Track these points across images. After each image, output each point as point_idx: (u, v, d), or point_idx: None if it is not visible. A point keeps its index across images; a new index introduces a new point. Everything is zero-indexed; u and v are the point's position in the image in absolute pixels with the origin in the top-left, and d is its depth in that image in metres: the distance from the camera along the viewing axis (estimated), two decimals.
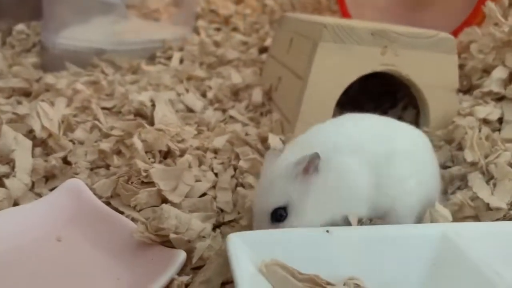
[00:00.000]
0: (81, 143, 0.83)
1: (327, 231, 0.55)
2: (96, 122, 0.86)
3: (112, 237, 0.62)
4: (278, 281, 0.51)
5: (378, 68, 0.86)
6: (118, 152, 0.80)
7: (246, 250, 0.52)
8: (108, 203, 0.69)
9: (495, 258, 0.54)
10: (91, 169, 0.76)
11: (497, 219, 0.69)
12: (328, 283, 0.50)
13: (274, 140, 0.80)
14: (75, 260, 0.60)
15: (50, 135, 0.79)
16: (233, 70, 1.17)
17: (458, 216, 0.72)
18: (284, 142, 0.81)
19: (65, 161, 0.78)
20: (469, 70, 1.00)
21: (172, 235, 0.57)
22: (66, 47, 1.26)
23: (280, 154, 0.61)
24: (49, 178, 0.76)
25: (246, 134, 0.88)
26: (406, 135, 0.69)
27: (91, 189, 0.70)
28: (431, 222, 0.63)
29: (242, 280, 0.47)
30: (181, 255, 0.56)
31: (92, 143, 0.82)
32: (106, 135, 0.83)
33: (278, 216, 0.56)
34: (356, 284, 0.52)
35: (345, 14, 1.42)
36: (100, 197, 0.70)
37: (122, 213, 0.67)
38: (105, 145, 0.78)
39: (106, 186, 0.71)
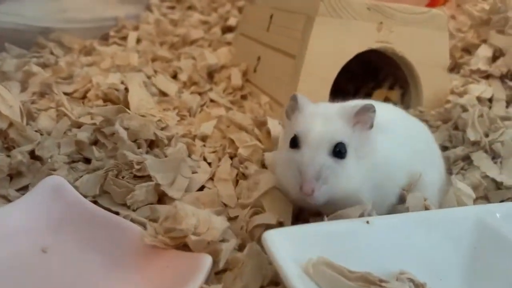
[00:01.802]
0: (48, 133, 0.71)
1: (367, 222, 0.51)
2: (63, 109, 0.74)
3: (113, 243, 0.52)
4: (328, 281, 0.45)
5: (374, 45, 0.81)
6: (95, 143, 0.69)
7: (287, 247, 0.47)
8: (95, 203, 0.59)
9: None
10: (68, 164, 0.65)
11: (508, 198, 0.68)
12: (381, 280, 0.46)
13: (273, 124, 0.73)
14: (70, 275, 0.50)
15: (11, 124, 0.66)
16: (205, 50, 1.07)
17: None
18: (284, 127, 0.74)
19: (33, 155, 0.65)
20: (451, 48, 0.98)
21: (192, 237, 0.49)
22: (4, 24, 1.09)
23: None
24: (14, 177, 0.63)
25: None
26: (415, 120, 0.70)
27: (73, 187, 0.59)
28: (456, 201, 0.61)
29: (296, 283, 0.41)
30: (208, 260, 0.47)
31: (61, 133, 0.70)
32: (78, 124, 0.72)
33: (339, 152, 0.50)
34: (409, 278, 0.48)
35: None
36: (85, 196, 0.59)
37: (116, 213, 0.57)
38: (83, 135, 0.67)
39: (90, 183, 0.61)
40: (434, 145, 0.68)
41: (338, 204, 0.52)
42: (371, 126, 0.54)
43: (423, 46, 0.85)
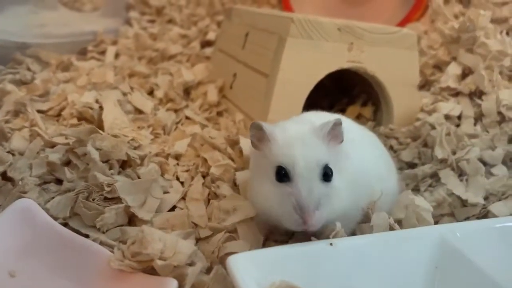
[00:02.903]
0: (21, 154, 0.71)
1: (331, 244, 0.52)
2: (36, 128, 0.74)
3: (81, 267, 0.53)
4: None
5: (345, 65, 0.83)
6: (67, 163, 0.70)
7: (251, 271, 0.48)
8: (65, 225, 0.60)
9: (492, 256, 0.54)
10: (39, 185, 0.65)
11: (473, 215, 0.70)
12: None
13: (245, 143, 0.74)
14: None
15: None
16: (182, 66, 1.08)
17: (436, 214, 0.71)
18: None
19: (5, 176, 0.66)
20: (422, 65, 1.01)
21: (158, 262, 0.49)
22: None
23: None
24: None
25: (210, 137, 0.81)
26: (365, 128, 0.74)
27: (44, 209, 0.59)
28: (416, 218, 0.63)
29: None
30: (173, 284, 0.48)
31: (34, 154, 0.71)
32: (51, 144, 0.72)
33: (326, 174, 0.52)
34: None
35: (287, 8, 1.38)
36: (55, 218, 0.59)
37: (86, 236, 0.58)
38: (54, 156, 0.67)
39: (61, 205, 0.61)
40: (386, 151, 0.71)
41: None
42: (342, 140, 0.55)
43: (393, 65, 0.87)
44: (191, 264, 0.53)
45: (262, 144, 0.55)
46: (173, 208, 0.67)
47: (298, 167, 0.51)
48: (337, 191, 0.52)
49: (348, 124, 0.64)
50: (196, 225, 0.64)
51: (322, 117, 0.61)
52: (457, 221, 0.71)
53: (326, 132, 0.54)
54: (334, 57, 0.82)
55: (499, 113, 0.85)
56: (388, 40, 0.85)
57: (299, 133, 0.54)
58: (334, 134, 0.54)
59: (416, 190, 0.78)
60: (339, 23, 0.81)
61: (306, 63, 0.80)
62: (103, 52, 1.22)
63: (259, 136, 0.55)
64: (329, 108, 1.06)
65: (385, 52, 0.85)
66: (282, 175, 0.51)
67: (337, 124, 0.54)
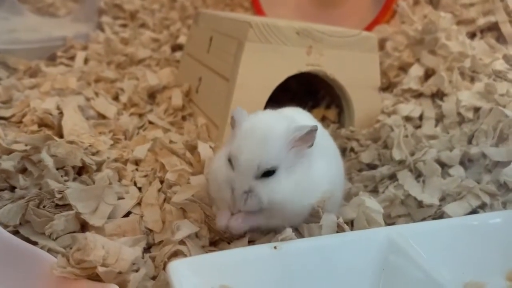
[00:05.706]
0: None
1: (275, 247, 0.52)
2: None
3: (26, 275, 0.53)
4: None
5: (304, 68, 0.84)
6: (23, 171, 0.69)
7: (190, 277, 0.48)
8: (16, 233, 0.60)
9: (438, 257, 0.55)
10: None
11: (429, 216, 0.71)
12: None
13: (204, 148, 0.75)
14: None
15: None
16: (147, 71, 1.08)
17: (392, 215, 0.72)
18: (213, 150, 0.76)
19: None
20: (386, 67, 1.02)
21: (100, 268, 0.49)
22: None
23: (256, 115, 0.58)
24: None
25: (171, 142, 0.81)
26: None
27: None
28: (366, 220, 0.63)
29: None
30: None
31: None
32: (8, 151, 0.72)
33: (267, 172, 0.53)
34: None
35: (259, 12, 1.39)
36: (6, 226, 0.59)
37: (35, 243, 0.58)
38: (8, 163, 0.67)
39: (12, 213, 0.61)
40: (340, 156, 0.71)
41: (272, 211, 0.55)
42: (312, 145, 0.56)
43: (353, 68, 0.87)
44: (137, 270, 0.54)
45: (235, 126, 0.57)
46: (128, 214, 0.67)
47: (239, 162, 0.53)
48: (272, 187, 0.53)
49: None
50: (150, 230, 0.64)
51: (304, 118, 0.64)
52: (414, 222, 0.72)
53: (298, 136, 0.54)
54: (293, 61, 0.82)
55: (459, 114, 0.86)
56: (347, 43, 0.86)
57: (264, 129, 0.55)
58: (306, 139, 0.55)
59: (375, 191, 0.79)
60: (297, 27, 0.82)
61: (265, 67, 0.81)
62: (72, 58, 1.22)
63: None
64: None
65: (345, 55, 0.86)
66: (230, 161, 0.55)
67: (313, 130, 0.55)
